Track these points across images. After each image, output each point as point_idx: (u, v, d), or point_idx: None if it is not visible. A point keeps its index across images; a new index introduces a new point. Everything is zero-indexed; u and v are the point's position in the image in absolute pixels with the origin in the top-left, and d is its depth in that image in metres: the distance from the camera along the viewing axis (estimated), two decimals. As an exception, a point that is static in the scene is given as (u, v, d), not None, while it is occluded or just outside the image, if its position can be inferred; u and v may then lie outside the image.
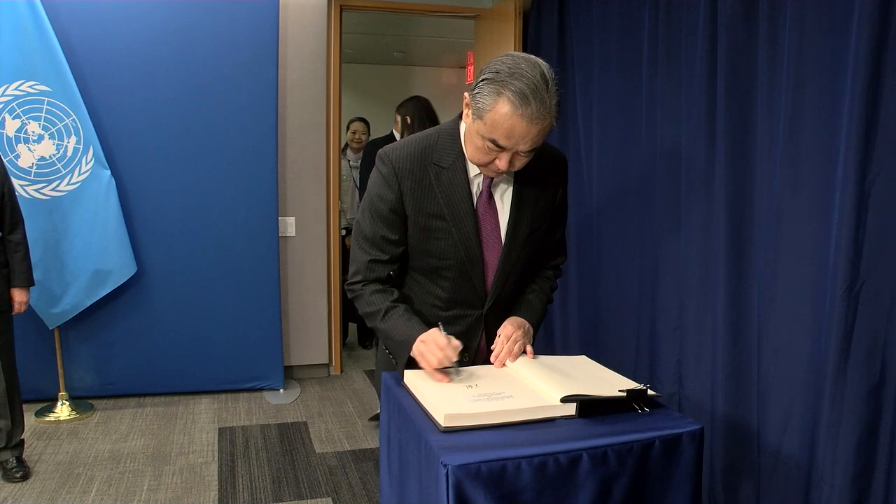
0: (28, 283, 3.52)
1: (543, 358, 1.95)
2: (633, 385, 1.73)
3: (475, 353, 2.05)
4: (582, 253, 4.04)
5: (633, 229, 3.61)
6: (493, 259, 1.98)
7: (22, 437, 3.59)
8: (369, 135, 6.29)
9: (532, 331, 2.04)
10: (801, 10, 2.47)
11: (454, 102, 5.62)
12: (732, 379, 2.88)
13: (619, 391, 1.68)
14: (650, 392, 1.71)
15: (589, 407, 1.64)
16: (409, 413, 1.66)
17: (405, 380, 1.83)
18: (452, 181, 1.91)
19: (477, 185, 1.94)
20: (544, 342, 4.43)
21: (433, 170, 1.91)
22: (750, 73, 2.75)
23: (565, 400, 1.63)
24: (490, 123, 1.72)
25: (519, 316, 2.04)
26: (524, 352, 1.95)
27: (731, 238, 2.85)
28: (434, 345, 1.80)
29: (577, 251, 4.06)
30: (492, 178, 1.92)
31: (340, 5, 4.95)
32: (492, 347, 1.96)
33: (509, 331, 1.95)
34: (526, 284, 2.13)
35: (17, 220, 3.47)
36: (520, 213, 1.97)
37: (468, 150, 1.86)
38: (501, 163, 1.78)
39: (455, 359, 1.80)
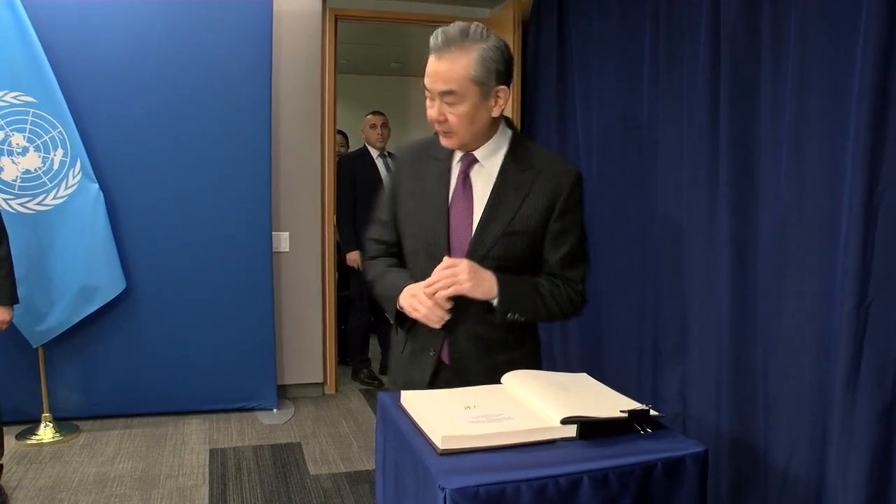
0: (11, 300, 3.43)
1: (543, 375, 1.89)
2: (634, 405, 1.67)
3: (437, 359, 2.00)
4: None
5: (634, 243, 3.54)
6: (460, 251, 1.94)
7: (0, 463, 3.48)
8: (348, 147, 6.23)
9: (489, 284, 1.87)
10: (805, 19, 2.43)
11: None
12: (738, 398, 2.82)
13: (621, 412, 1.63)
14: (652, 412, 1.65)
15: (590, 428, 1.59)
16: (406, 435, 1.60)
17: (402, 401, 1.76)
18: (440, 169, 2.00)
19: (456, 172, 1.99)
20: (544, 360, 4.35)
21: (427, 160, 2.03)
22: (753, 82, 2.70)
23: (565, 421, 1.57)
24: None
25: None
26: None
27: (734, 252, 2.79)
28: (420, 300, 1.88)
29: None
30: (468, 164, 1.96)
31: (335, 15, 4.90)
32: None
33: (449, 263, 1.86)
34: None
35: (0, 237, 3.38)
36: (495, 208, 1.93)
37: None
38: (432, 111, 1.88)
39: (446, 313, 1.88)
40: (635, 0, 3.42)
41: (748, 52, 2.71)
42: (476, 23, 1.86)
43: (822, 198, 2.41)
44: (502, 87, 1.86)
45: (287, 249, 4.85)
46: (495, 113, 1.89)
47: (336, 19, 4.92)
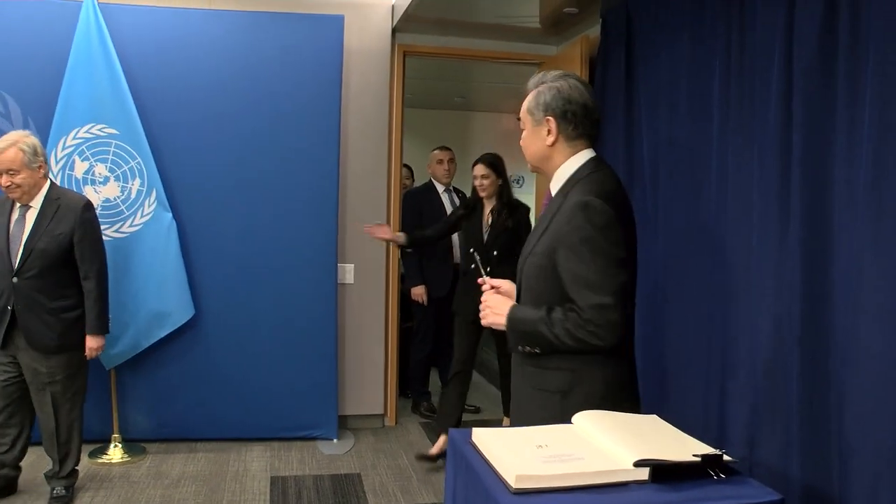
0: (96, 330, 3.60)
1: (614, 416, 1.88)
2: (707, 449, 1.66)
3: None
4: (646, 305, 3.91)
5: (700, 282, 3.48)
6: None
7: (75, 468, 3.71)
8: (413, 180, 6.26)
9: (502, 320, 2.10)
10: (884, 56, 2.36)
11: (514, 148, 5.54)
12: (810, 444, 2.72)
13: (694, 455, 1.61)
14: (726, 457, 1.63)
15: (662, 472, 1.57)
16: (478, 472, 1.61)
17: (473, 437, 1.77)
18: None
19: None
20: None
21: None
22: (828, 122, 2.63)
23: (638, 464, 1.57)
24: None
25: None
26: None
27: (807, 296, 2.71)
28: None
29: (641, 304, 3.92)
30: (548, 196, 2.17)
31: (404, 51, 4.99)
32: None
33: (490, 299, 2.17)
34: None
35: (88, 268, 3.57)
36: (533, 232, 2.18)
37: None
38: None
39: None
40: (706, 36, 3.40)
41: (823, 90, 2.64)
42: (560, 71, 2.15)
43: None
44: (549, 117, 2.07)
45: (352, 281, 4.91)
46: (548, 141, 2.09)
47: (404, 55, 5.01)
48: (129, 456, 4.27)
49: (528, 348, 2.04)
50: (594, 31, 4.56)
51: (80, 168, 4.13)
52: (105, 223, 4.14)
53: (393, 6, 4.83)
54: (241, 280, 4.52)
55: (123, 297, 4.19)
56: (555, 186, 2.13)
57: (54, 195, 3.53)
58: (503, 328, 2.09)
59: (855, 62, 2.50)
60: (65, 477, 3.65)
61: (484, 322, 2.16)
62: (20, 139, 3.44)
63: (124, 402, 4.40)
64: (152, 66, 4.32)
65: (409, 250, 5.11)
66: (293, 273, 4.57)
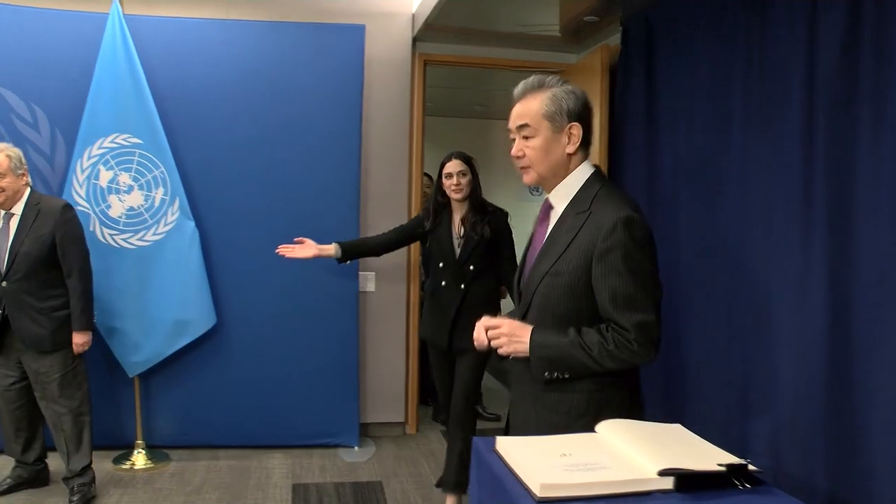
0: (81, 326, 3.69)
1: (638, 424, 1.87)
2: (732, 459, 1.63)
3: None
4: (668, 317, 3.88)
5: (722, 291, 3.46)
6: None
7: (89, 466, 3.78)
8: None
9: (524, 347, 1.97)
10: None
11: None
12: (835, 455, 2.69)
13: (718, 465, 1.59)
14: (751, 467, 1.61)
15: (687, 481, 1.55)
16: (503, 481, 1.60)
17: (497, 446, 1.76)
18: (540, 216, 2.14)
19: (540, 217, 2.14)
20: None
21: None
22: (851, 133, 2.61)
23: (663, 473, 1.55)
24: None
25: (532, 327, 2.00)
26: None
27: (830, 307, 2.69)
28: None
29: (663, 316, 3.90)
30: (547, 209, 2.09)
31: (425, 60, 5.00)
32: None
33: (493, 324, 2.03)
34: None
35: (71, 267, 3.67)
36: (547, 249, 2.02)
37: None
38: (513, 149, 2.05)
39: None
40: (726, 47, 3.38)
41: (846, 101, 2.63)
42: (554, 75, 2.05)
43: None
44: (574, 123, 1.97)
45: (373, 289, 4.93)
46: (569, 149, 1.99)
47: (425, 64, 5.03)
48: (153, 462, 4.31)
49: (556, 374, 1.94)
50: (614, 40, 4.56)
51: (104, 177, 4.18)
52: (128, 232, 4.19)
53: (413, 15, 4.86)
54: (263, 288, 4.55)
55: (146, 304, 4.23)
56: (560, 199, 2.04)
57: (34, 201, 3.69)
58: (524, 355, 1.98)
59: (878, 73, 2.49)
60: (78, 474, 3.72)
61: (501, 351, 2.02)
62: (6, 148, 3.67)
63: (148, 409, 4.44)
64: (175, 76, 4.37)
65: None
66: (314, 281, 4.59)
